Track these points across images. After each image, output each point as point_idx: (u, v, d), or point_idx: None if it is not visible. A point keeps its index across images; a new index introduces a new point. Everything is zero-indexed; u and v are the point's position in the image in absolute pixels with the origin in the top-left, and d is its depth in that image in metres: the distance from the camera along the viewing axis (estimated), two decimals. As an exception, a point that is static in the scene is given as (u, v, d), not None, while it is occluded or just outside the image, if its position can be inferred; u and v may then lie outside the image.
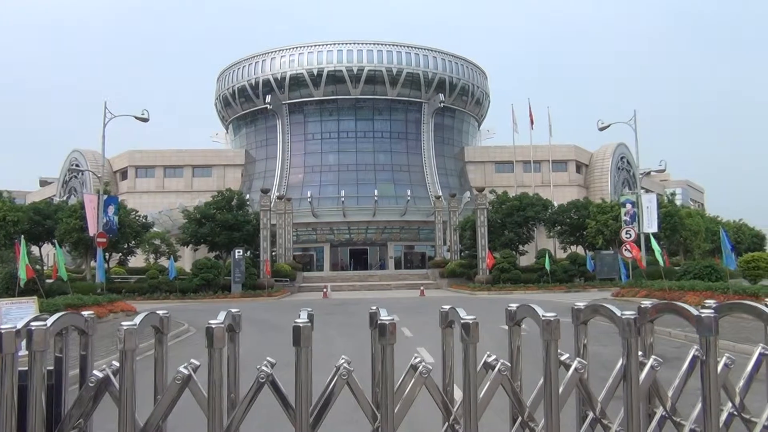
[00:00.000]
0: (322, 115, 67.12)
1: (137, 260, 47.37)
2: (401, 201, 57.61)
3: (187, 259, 51.91)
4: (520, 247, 45.90)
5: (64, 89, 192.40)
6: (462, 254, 46.91)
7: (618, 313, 2.54)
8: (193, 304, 29.76)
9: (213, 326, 2.40)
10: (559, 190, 63.52)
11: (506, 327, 2.94)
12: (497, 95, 79.07)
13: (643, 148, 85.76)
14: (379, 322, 2.48)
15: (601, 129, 34.81)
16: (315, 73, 64.65)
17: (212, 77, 75.14)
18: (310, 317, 2.57)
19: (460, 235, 47.52)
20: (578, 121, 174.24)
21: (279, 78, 65.64)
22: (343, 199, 56.20)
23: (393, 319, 2.47)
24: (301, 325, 2.40)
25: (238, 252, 36.80)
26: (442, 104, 66.33)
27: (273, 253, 44.19)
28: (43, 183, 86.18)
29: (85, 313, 2.82)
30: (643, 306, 2.90)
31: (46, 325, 2.40)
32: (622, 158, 74.10)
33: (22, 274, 17.47)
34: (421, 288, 37.65)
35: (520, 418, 2.75)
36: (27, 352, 2.41)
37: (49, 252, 52.76)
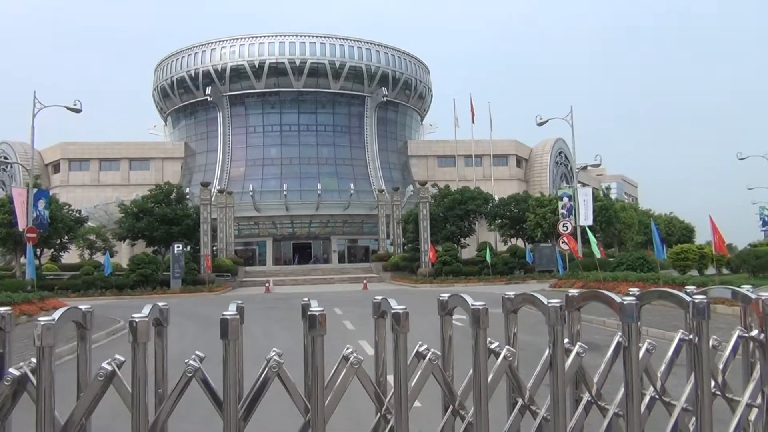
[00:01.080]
0: (264, 107, 66.26)
1: (71, 256, 45.74)
2: (344, 195, 57.52)
3: (124, 254, 50.41)
4: (462, 240, 46.57)
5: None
6: (405, 248, 47.25)
7: (545, 301, 2.59)
8: (130, 301, 29.01)
9: (137, 320, 2.33)
10: (500, 184, 64.69)
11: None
12: (440, 91, 79.82)
13: (582, 144, 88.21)
14: (309, 313, 2.46)
15: (540, 124, 35.62)
16: (256, 65, 63.73)
17: (150, 67, 73.08)
18: (240, 310, 2.52)
19: (403, 229, 47.85)
20: (519, 117, 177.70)
21: (219, 69, 64.42)
22: (285, 192, 55.69)
23: (323, 310, 2.45)
24: (228, 317, 2.36)
25: (178, 247, 36.01)
26: (385, 98, 66.46)
27: (214, 248, 43.47)
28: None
29: (1, 309, 2.70)
30: (570, 294, 2.97)
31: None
32: (560, 153, 75.97)
33: (-56, 272, 16.60)
34: (365, 281, 37.72)
35: (451, 407, 2.78)
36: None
37: (-25, 249, 50.29)
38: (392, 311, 2.49)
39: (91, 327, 2.82)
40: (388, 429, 2.65)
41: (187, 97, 67.47)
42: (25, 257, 31.28)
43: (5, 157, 63.32)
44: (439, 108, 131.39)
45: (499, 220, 47.68)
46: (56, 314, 2.44)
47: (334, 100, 66.91)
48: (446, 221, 44.89)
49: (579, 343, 2.81)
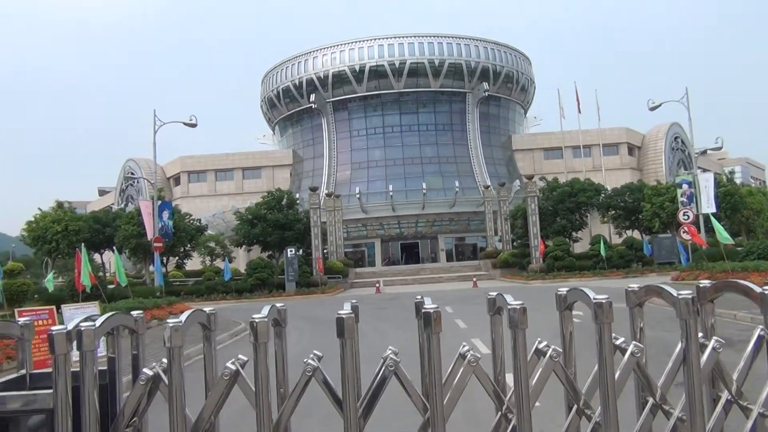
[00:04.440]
0: (366, 111, 67.25)
1: (194, 263, 48.49)
2: (450, 193, 57.25)
3: (241, 259, 52.87)
4: (573, 233, 45.08)
5: (118, 101, 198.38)
6: (514, 244, 46.37)
7: (674, 293, 2.42)
8: (249, 304, 30.28)
9: (257, 321, 2.39)
10: (612, 174, 62.06)
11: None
12: (543, 82, 77.78)
13: (700, 127, 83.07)
14: (423, 311, 2.43)
15: (652, 109, 33.82)
16: (357, 70, 64.80)
17: (257, 80, 76.18)
18: (354, 309, 2.54)
19: (511, 225, 46.99)
20: (629, 104, 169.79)
21: (322, 76, 66.06)
22: (391, 193, 56.24)
23: (437, 308, 2.42)
24: (344, 316, 2.38)
25: (290, 251, 37.22)
26: (486, 93, 65.52)
27: (324, 251, 44.55)
28: (102, 192, 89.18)
29: (135, 312, 2.86)
30: (701, 285, 2.76)
31: (94, 325, 2.43)
32: (676, 138, 71.79)
33: (86, 281, 18.07)
34: (474, 279, 37.36)
35: (575, 406, 2.65)
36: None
37: (110, 259, 54.47)
38: (509, 307, 2.41)
39: (215, 328, 2.94)
40: (510, 429, 2.58)
41: (293, 105, 69.71)
42: (154, 265, 33.52)
43: (132, 173, 68.21)
44: (543, 100, 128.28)
45: (613, 212, 45.72)
46: (183, 317, 2.56)
47: (434, 98, 66.81)
48: (556, 215, 43.61)
49: (715, 338, 2.61)
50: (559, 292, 2.83)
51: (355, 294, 34.97)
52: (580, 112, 61.48)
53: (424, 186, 56.06)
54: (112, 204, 71.95)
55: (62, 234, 37.11)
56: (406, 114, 66.79)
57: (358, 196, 56.76)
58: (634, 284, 2.88)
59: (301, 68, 67.66)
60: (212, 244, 49.92)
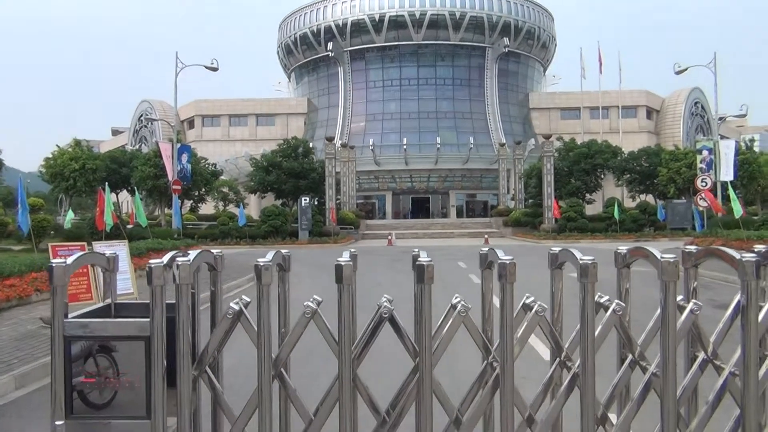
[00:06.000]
0: (383, 62, 66.50)
1: (207, 207, 48.86)
2: (463, 149, 57.05)
3: (253, 206, 53.18)
4: (588, 195, 45.00)
5: (130, 41, 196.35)
6: (527, 203, 46.38)
7: (737, 255, 2.55)
8: (264, 250, 30.36)
9: (342, 264, 2.53)
10: (629, 136, 61.52)
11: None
12: (564, 40, 76.32)
13: (720, 93, 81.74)
14: (499, 262, 2.58)
15: (678, 72, 33.34)
16: (376, 19, 63.80)
17: (275, 25, 75.20)
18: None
19: (525, 184, 46.92)
20: (650, 67, 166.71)
21: (340, 24, 65.13)
22: (405, 146, 56.05)
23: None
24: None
25: (305, 199, 37.34)
26: (506, 49, 64.53)
27: (337, 201, 44.71)
28: (115, 132, 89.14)
29: (215, 251, 3.02)
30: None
31: (189, 260, 2.59)
32: (696, 103, 70.78)
33: (108, 220, 18.37)
34: (486, 236, 37.56)
35: (630, 357, 2.82)
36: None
37: (125, 199, 54.96)
38: (580, 261, 2.55)
39: (289, 269, 3.10)
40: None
41: (310, 53, 68.94)
42: (169, 208, 33.81)
43: (147, 114, 68.13)
44: (563, 59, 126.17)
45: (628, 175, 45.50)
46: (269, 256, 2.71)
47: (453, 52, 65.88)
48: (571, 176, 43.49)
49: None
50: (619, 251, 2.96)
51: (367, 246, 35.24)
52: (601, 72, 60.63)
53: (438, 140, 55.82)
54: (126, 144, 72.05)
55: (80, 172, 37.35)
56: (423, 67, 66.02)
57: (371, 147, 56.59)
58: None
59: (320, 15, 66.67)
60: (225, 190, 50.21)
